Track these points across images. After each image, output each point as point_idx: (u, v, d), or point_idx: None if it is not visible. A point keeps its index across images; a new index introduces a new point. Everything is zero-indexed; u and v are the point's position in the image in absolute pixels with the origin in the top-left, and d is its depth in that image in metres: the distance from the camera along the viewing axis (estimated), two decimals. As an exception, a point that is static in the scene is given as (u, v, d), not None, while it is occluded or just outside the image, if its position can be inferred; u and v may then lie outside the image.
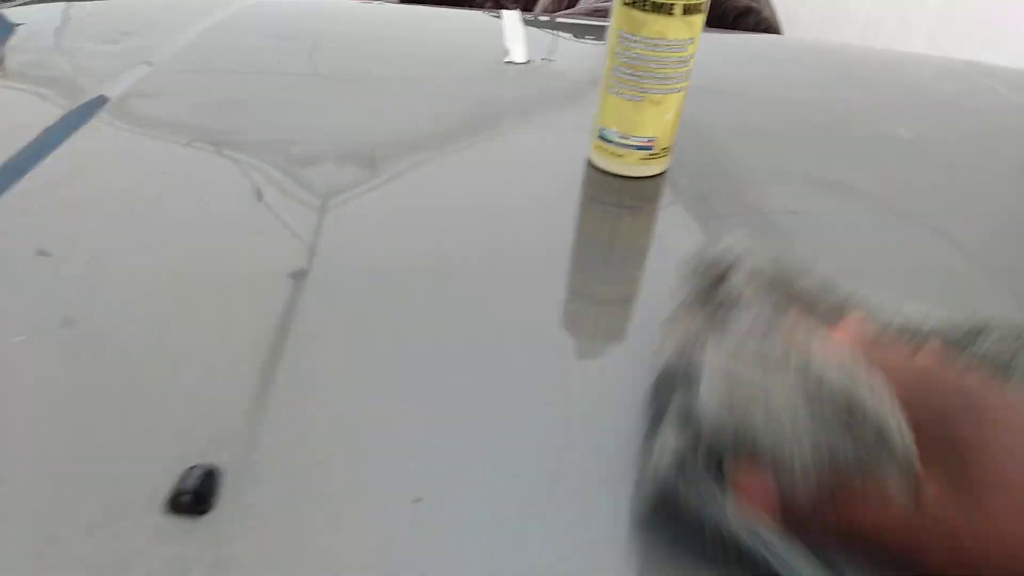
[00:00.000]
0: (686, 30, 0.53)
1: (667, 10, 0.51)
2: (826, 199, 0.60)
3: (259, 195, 0.53)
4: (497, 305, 0.44)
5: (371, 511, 0.32)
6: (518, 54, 0.80)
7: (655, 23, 0.52)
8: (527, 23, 0.93)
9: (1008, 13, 1.44)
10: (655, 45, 0.53)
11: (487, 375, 0.39)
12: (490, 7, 2.13)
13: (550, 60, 0.80)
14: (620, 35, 0.54)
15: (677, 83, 0.55)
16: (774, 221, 0.56)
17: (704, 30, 0.55)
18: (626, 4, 0.52)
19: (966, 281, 0.52)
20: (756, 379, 0.28)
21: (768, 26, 1.45)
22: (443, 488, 0.33)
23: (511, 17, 0.93)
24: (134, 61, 0.73)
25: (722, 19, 1.42)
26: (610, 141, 0.58)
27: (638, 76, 0.54)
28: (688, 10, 0.52)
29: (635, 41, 0.53)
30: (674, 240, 0.53)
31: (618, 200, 0.58)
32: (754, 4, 1.44)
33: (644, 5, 0.52)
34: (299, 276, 0.45)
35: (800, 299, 0.35)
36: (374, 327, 0.42)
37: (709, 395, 0.28)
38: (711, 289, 0.35)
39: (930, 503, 0.25)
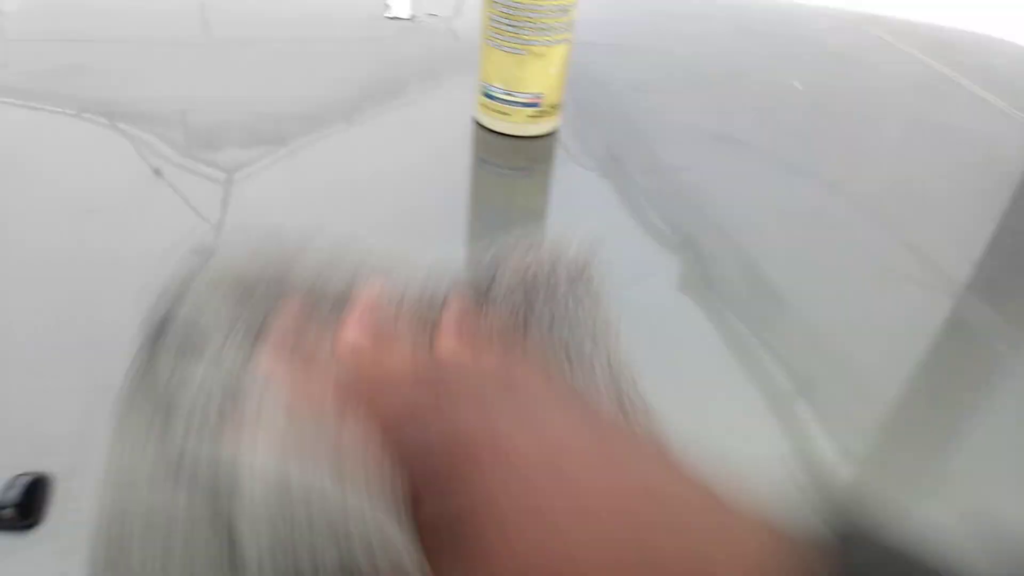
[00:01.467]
0: (565, -23, 0.50)
1: (544, -44, 0.49)
2: (716, 153, 0.59)
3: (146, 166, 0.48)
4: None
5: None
6: (400, 9, 0.75)
7: (532, -30, 0.49)
8: None
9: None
10: (533, -7, 0.50)
11: None
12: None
13: (434, 16, 0.76)
14: (497, -17, 0.51)
15: (559, 34, 0.52)
16: (665, 178, 0.55)
17: None
18: (501, -50, 0.49)
19: (851, 229, 0.52)
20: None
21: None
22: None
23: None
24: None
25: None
26: (495, 98, 0.55)
27: (518, 27, 0.51)
28: (566, -45, 0.49)
29: (512, -11, 0.50)
30: (569, 202, 0.52)
31: (510, 162, 0.56)
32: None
33: (519, -49, 0.49)
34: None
35: (292, 296, 0.25)
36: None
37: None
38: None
39: None
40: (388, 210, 0.48)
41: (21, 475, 0.29)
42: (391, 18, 0.74)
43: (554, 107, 0.56)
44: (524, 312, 0.26)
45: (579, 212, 0.51)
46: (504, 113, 0.55)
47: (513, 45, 0.52)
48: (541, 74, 0.54)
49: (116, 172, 0.47)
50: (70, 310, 0.37)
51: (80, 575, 0.26)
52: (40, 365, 0.34)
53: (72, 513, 0.28)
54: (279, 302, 0.25)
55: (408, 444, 0.19)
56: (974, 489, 0.33)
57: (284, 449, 0.18)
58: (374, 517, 0.17)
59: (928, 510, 0.31)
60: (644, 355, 0.38)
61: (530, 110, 0.55)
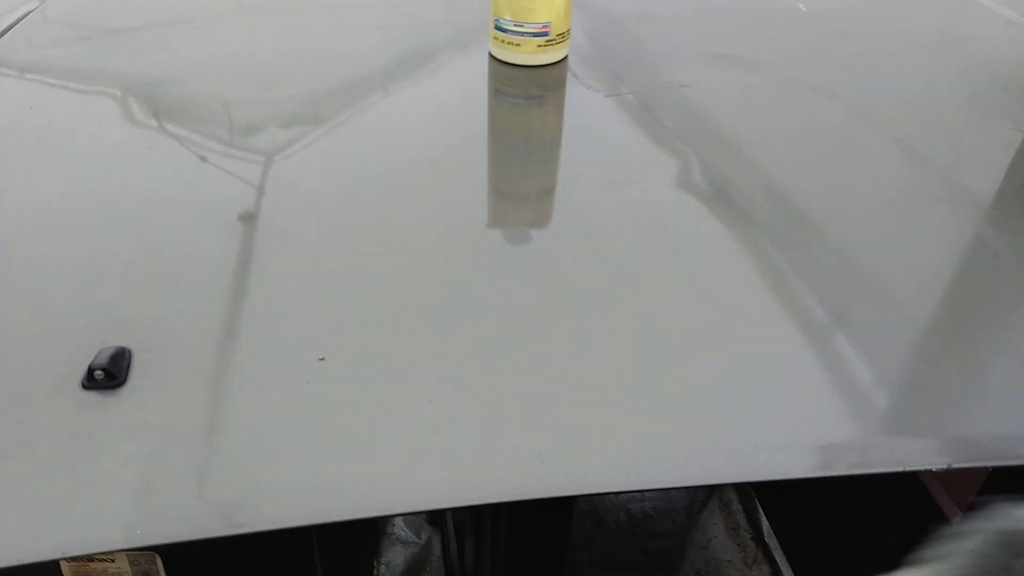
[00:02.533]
0: (564, -92, 0.53)
1: None
2: (719, 71, 0.62)
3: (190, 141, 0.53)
4: (430, 212, 0.45)
5: (275, 369, 0.34)
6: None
7: (533, -97, 0.53)
8: None
9: None
10: (536, -74, 0.53)
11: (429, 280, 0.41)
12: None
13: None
14: (501, -81, 0.54)
15: (563, -36, 0.56)
16: (670, 94, 0.58)
17: None
18: None
19: (850, 136, 0.55)
20: None
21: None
22: (344, 348, 0.35)
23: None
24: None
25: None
26: (506, 30, 0.59)
27: (524, -40, 0.55)
28: None
29: (516, -76, 0.54)
30: (583, 124, 0.55)
31: (526, 91, 0.60)
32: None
33: None
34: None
35: None
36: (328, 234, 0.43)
37: None
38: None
39: None
40: (417, 153, 0.51)
41: (107, 347, 0.34)
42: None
43: (562, 36, 0.60)
44: None
45: (593, 134, 0.54)
46: (515, 44, 0.59)
47: (520, -22, 0.56)
48: (548, 4, 0.57)
49: (162, 163, 0.49)
50: (138, 243, 0.42)
51: (157, 421, 0.32)
52: (121, 268, 0.40)
53: (146, 377, 0.33)
54: None
55: None
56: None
57: None
58: None
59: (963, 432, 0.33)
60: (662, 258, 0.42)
61: (539, 39, 0.59)
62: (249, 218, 0.43)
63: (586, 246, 0.43)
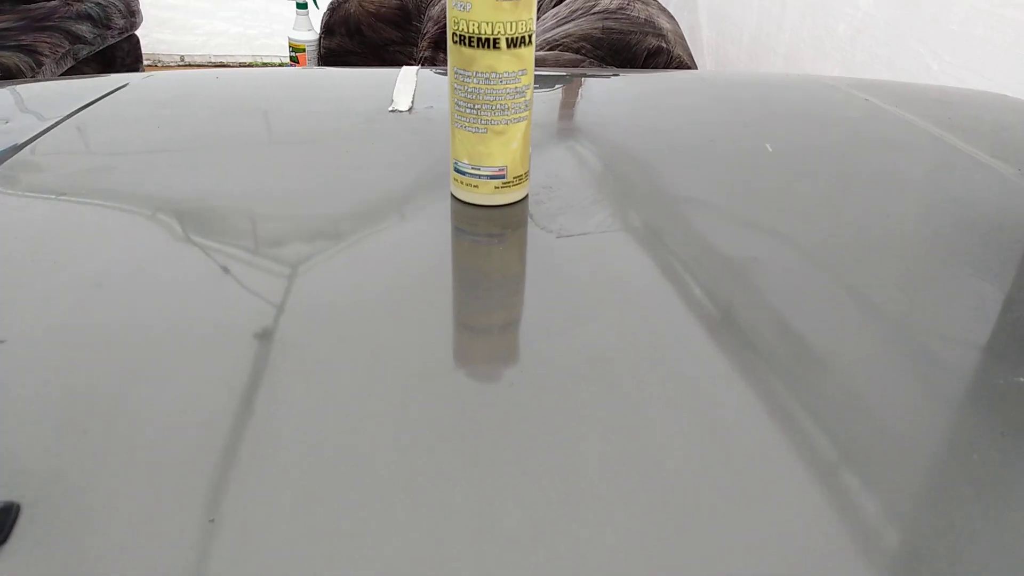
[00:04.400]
0: (515, 62, 0.56)
1: (493, 45, 0.54)
2: (680, 214, 0.63)
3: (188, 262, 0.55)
4: (390, 348, 0.45)
5: (163, 531, 0.33)
6: (402, 103, 0.83)
7: (484, 58, 0.55)
8: (440, 71, 0.98)
9: (910, 32, 1.51)
10: (488, 79, 0.56)
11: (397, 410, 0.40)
12: (425, 57, 2.19)
13: (431, 107, 0.83)
14: (455, 71, 0.57)
15: (517, 113, 0.58)
16: (629, 237, 0.58)
17: (612, 71, 0.58)
18: (455, 42, 0.56)
19: (808, 284, 0.54)
20: None
21: (680, 64, 1.51)
22: (236, 511, 0.34)
23: (407, 72, 0.97)
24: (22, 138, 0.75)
25: (633, 61, 1.47)
26: (464, 173, 0.60)
27: (477, 109, 0.57)
28: (513, 43, 0.55)
29: (469, 76, 0.56)
30: (543, 262, 0.55)
31: (486, 229, 0.61)
32: (664, 44, 1.50)
33: (471, 42, 0.55)
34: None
35: None
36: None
37: None
38: None
39: None
40: (389, 281, 0.52)
41: (-7, 502, 0.33)
42: (391, 111, 0.81)
43: (519, 178, 0.61)
44: None
45: (554, 271, 0.54)
46: (473, 186, 0.60)
47: (476, 125, 0.58)
48: (504, 149, 0.59)
49: (186, 269, 0.52)
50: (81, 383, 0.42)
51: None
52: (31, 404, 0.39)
53: (34, 537, 0.32)
54: None
55: None
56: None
57: None
58: None
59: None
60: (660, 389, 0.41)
61: (496, 181, 0.60)
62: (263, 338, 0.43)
63: (556, 383, 0.42)
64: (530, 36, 0.56)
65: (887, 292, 0.52)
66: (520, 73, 0.56)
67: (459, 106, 0.58)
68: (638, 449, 0.38)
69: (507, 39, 0.54)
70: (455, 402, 0.41)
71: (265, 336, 0.46)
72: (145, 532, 0.32)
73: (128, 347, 0.44)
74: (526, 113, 0.59)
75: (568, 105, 0.92)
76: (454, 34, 0.56)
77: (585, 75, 1.08)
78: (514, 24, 0.54)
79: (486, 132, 0.58)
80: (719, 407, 0.41)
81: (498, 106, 0.57)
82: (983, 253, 0.57)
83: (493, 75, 0.55)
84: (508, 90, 0.56)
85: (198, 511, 0.33)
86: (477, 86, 0.56)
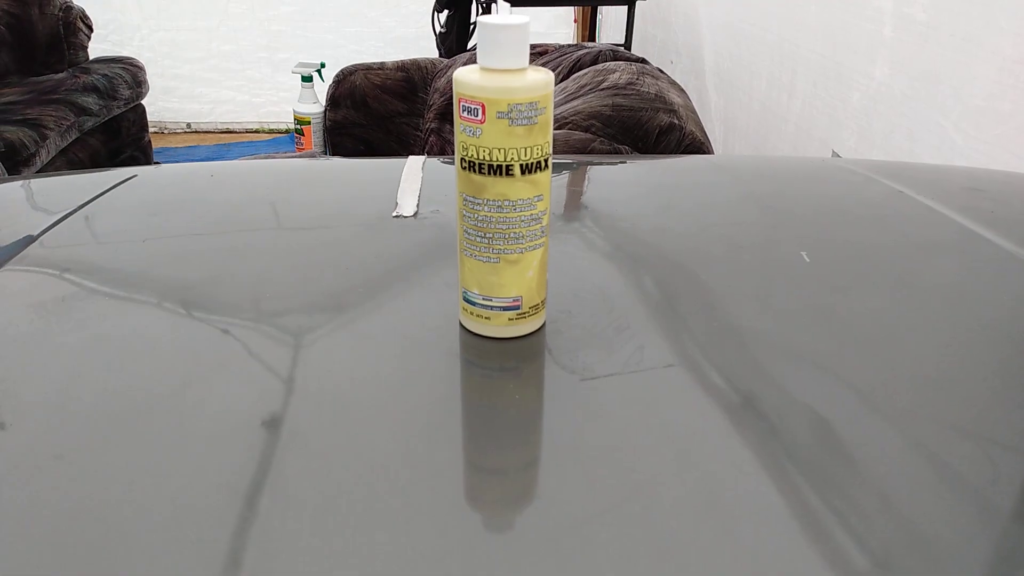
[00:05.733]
0: (530, 189, 0.50)
1: (506, 172, 0.49)
2: (717, 347, 0.56)
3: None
4: (394, 489, 0.41)
5: None
6: (406, 207, 0.78)
7: (496, 185, 0.50)
8: (447, 160, 0.94)
9: (931, 105, 1.47)
10: (500, 207, 0.50)
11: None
12: (431, 128, 2.18)
13: (437, 211, 0.78)
14: (464, 198, 0.51)
15: (532, 240, 0.52)
16: (661, 377, 0.52)
17: (625, 155, 0.53)
18: (464, 168, 0.50)
19: (859, 433, 0.47)
20: None
21: (693, 141, 1.47)
22: None
23: (412, 164, 0.92)
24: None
25: (645, 139, 1.43)
26: (474, 303, 0.54)
27: (489, 238, 0.51)
28: (528, 169, 0.49)
29: (479, 204, 0.51)
30: (562, 398, 0.49)
31: (498, 363, 0.55)
32: (676, 120, 1.46)
33: (482, 168, 0.49)
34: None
35: None
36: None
37: None
38: None
39: None
40: (392, 422, 0.47)
41: None
42: (396, 216, 0.76)
43: (535, 307, 0.55)
44: None
45: (571, 414, 0.48)
46: (485, 317, 0.54)
47: (487, 255, 0.52)
48: (518, 279, 0.53)
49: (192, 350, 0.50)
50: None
51: None
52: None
53: None
54: None
55: None
56: None
57: None
58: None
59: None
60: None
61: (510, 313, 0.54)
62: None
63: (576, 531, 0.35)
64: (546, 161, 0.50)
65: (963, 449, 0.46)
66: (536, 199, 0.51)
67: (468, 234, 0.52)
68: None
69: (521, 165, 0.49)
70: (465, 546, 0.35)
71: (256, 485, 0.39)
72: None
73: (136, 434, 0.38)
74: (542, 240, 0.53)
75: (580, 201, 0.87)
76: (463, 159, 0.50)
77: (596, 163, 1.03)
78: (528, 150, 0.49)
79: (499, 262, 0.52)
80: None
81: (512, 235, 0.51)
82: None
83: (506, 203, 0.50)
84: (523, 218, 0.51)
85: None
86: (488, 214, 0.51)
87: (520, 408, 0.50)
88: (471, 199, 0.51)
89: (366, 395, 0.50)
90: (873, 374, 0.53)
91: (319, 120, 2.69)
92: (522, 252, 0.52)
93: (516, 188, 0.50)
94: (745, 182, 0.95)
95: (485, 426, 0.49)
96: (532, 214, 0.51)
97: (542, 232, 0.53)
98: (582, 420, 0.48)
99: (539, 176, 0.50)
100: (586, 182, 0.95)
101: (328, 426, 0.47)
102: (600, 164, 1.03)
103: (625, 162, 1.04)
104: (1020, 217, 0.81)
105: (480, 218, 0.51)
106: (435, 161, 0.97)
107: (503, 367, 0.55)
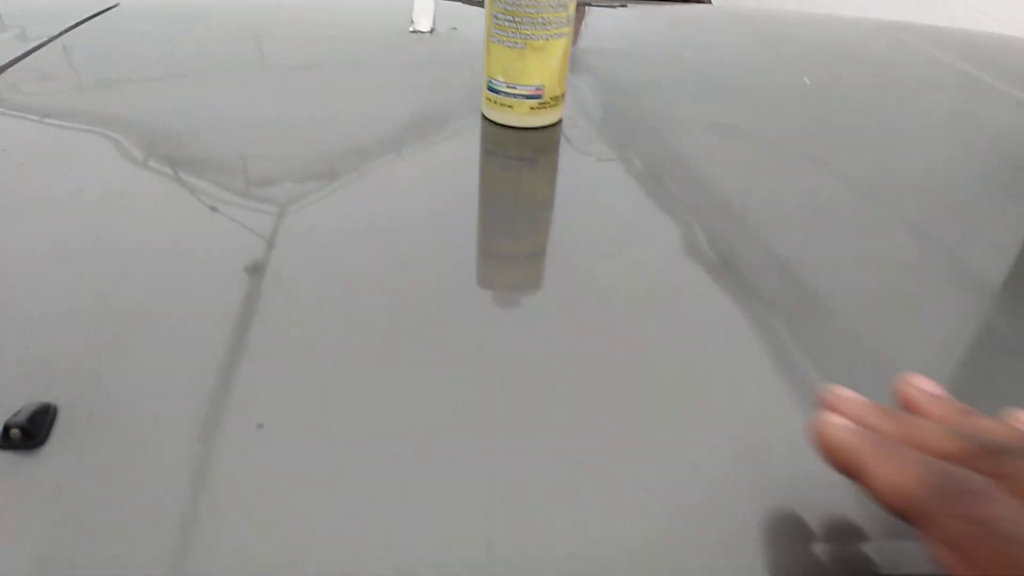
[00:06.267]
0: (560, -28, 0.53)
1: (538, -48, 0.51)
2: (720, 142, 0.60)
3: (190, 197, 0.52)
4: (421, 269, 0.43)
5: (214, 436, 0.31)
6: (423, 24, 0.79)
7: (527, -34, 0.52)
8: None
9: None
10: (530, -11, 0.53)
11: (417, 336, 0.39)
12: None
13: (454, 29, 0.79)
14: (496, -19, 0.54)
15: (557, 28, 0.55)
16: (667, 163, 0.56)
17: (635, 2, 0.55)
18: (497, -51, 0.52)
19: (848, 208, 0.52)
20: None
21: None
22: (283, 414, 0.32)
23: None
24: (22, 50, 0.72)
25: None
26: (498, 92, 0.58)
27: (518, 23, 0.54)
28: (559, -49, 0.52)
29: (510, -14, 0.53)
30: (576, 188, 0.53)
31: (517, 152, 0.58)
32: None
33: (515, -52, 0.51)
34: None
35: None
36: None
37: None
38: None
39: None
40: (412, 209, 0.49)
41: (30, 403, 0.32)
42: (413, 31, 0.78)
43: (556, 99, 0.58)
44: None
45: (585, 197, 0.52)
46: (508, 106, 0.58)
47: (514, 40, 0.55)
48: (542, 67, 0.56)
49: (174, 210, 0.48)
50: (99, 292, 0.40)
51: (72, 489, 0.29)
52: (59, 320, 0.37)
53: (70, 438, 0.31)
54: None
55: None
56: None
57: None
58: None
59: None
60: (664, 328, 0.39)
61: (532, 102, 0.57)
62: (256, 269, 0.41)
63: (577, 311, 0.40)
64: (577, -56, 0.53)
65: (932, 227, 0.51)
66: (564, -16, 0.53)
67: (497, 19, 0.55)
68: (640, 386, 0.36)
69: (553, -54, 0.51)
70: (472, 323, 0.39)
71: (261, 267, 0.44)
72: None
73: (133, 262, 0.42)
74: (567, 29, 0.56)
75: (589, 35, 0.89)
76: (496, -61, 0.52)
77: (603, 5, 1.04)
78: (562, -71, 0.51)
79: (525, 48, 0.55)
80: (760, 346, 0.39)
81: (540, 19, 0.54)
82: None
83: (536, -15, 0.53)
84: (551, 2, 0.53)
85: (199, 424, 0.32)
86: (519, -3, 0.53)
87: (535, 196, 0.53)
88: (502, -19, 0.53)
89: (391, 185, 0.53)
90: (862, 167, 0.58)
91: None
92: (547, 39, 0.55)
93: (547, -30, 0.52)
94: (749, 24, 0.97)
95: (501, 213, 0.51)
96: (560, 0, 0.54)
97: (567, 21, 0.55)
98: (590, 210, 0.51)
99: (568, -40, 0.53)
100: (588, 24, 0.96)
101: (353, 209, 0.50)
102: (604, 6, 1.04)
103: (626, 6, 1.05)
104: (1010, 64, 0.85)
105: (510, 2, 0.54)
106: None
107: (521, 157, 0.58)
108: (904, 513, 0.23)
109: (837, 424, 0.25)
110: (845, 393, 0.28)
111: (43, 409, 0.32)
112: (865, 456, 0.24)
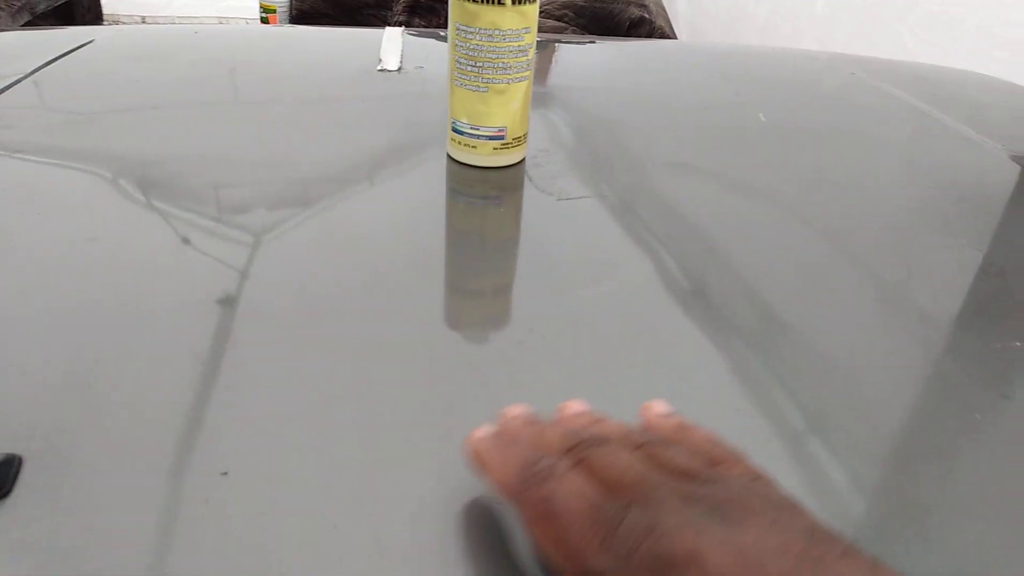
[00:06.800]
0: (520, 20, 0.55)
1: (497, 1, 0.53)
2: (675, 177, 0.62)
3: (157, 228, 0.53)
4: (380, 310, 0.44)
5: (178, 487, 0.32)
6: (390, 63, 0.81)
7: (488, 14, 0.54)
8: (421, 34, 0.96)
9: (890, 11, 1.52)
10: (491, 36, 0.54)
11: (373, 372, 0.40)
12: (400, 21, 2.15)
13: (421, 68, 0.81)
14: (457, 27, 0.56)
15: (518, 72, 0.57)
16: (621, 200, 0.58)
17: (597, 38, 0.56)
18: (458, -3, 0.54)
19: (805, 242, 0.54)
20: None
21: (662, 35, 1.50)
22: (249, 462, 0.33)
23: (392, 32, 0.95)
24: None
25: (616, 30, 1.46)
26: (462, 132, 0.59)
27: (479, 67, 0.56)
28: (519, 0, 0.54)
29: (472, 32, 0.55)
30: (539, 226, 0.55)
31: (481, 191, 0.60)
32: (647, 15, 1.49)
33: (475, -3, 0.53)
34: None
35: None
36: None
37: None
38: None
39: None
40: (380, 246, 0.51)
41: (-5, 455, 0.32)
42: (380, 70, 0.80)
43: (518, 139, 0.60)
44: None
45: (548, 235, 0.53)
46: (471, 146, 0.59)
47: (476, 84, 0.57)
48: (504, 109, 0.58)
49: (148, 238, 0.49)
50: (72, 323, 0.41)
51: (37, 540, 0.29)
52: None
53: (35, 489, 0.31)
54: None
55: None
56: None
57: None
58: None
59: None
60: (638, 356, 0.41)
61: (495, 142, 0.59)
62: (228, 301, 0.42)
63: (546, 344, 0.42)
64: (536, -7, 0.55)
65: (883, 259, 0.53)
66: (524, 31, 0.55)
67: (460, 64, 0.57)
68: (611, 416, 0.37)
69: (512, -5, 0.53)
70: (444, 361, 0.41)
71: (233, 300, 0.45)
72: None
73: (102, 312, 0.43)
74: (527, 73, 0.58)
75: (557, 72, 0.91)
76: (457, -12, 0.54)
77: (571, 42, 1.06)
78: (520, -20, 0.53)
79: (487, 91, 0.57)
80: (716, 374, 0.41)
81: (500, 64, 0.56)
82: (976, 224, 0.58)
83: (496, 32, 0.54)
84: (511, 48, 0.55)
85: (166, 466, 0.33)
86: (479, 43, 0.55)
87: (500, 235, 0.55)
88: (464, 28, 0.55)
89: (357, 222, 0.54)
90: (813, 202, 0.60)
91: (285, 9, 2.62)
92: (508, 83, 0.57)
93: (506, 18, 0.54)
94: (709, 59, 1.00)
95: (468, 250, 0.53)
96: (520, 45, 0.56)
97: (527, 65, 0.57)
98: (556, 241, 0.53)
99: (528, 8, 0.55)
100: (560, 57, 0.98)
101: (319, 246, 0.52)
102: (571, 43, 1.06)
103: (595, 42, 1.07)
104: (955, 100, 0.88)
105: (471, 47, 0.55)
106: (413, 33, 0.99)
107: (486, 196, 0.60)
108: (507, 498, 0.28)
109: (479, 435, 0.30)
110: (513, 411, 0.32)
111: (7, 460, 0.32)
112: (485, 455, 0.29)
